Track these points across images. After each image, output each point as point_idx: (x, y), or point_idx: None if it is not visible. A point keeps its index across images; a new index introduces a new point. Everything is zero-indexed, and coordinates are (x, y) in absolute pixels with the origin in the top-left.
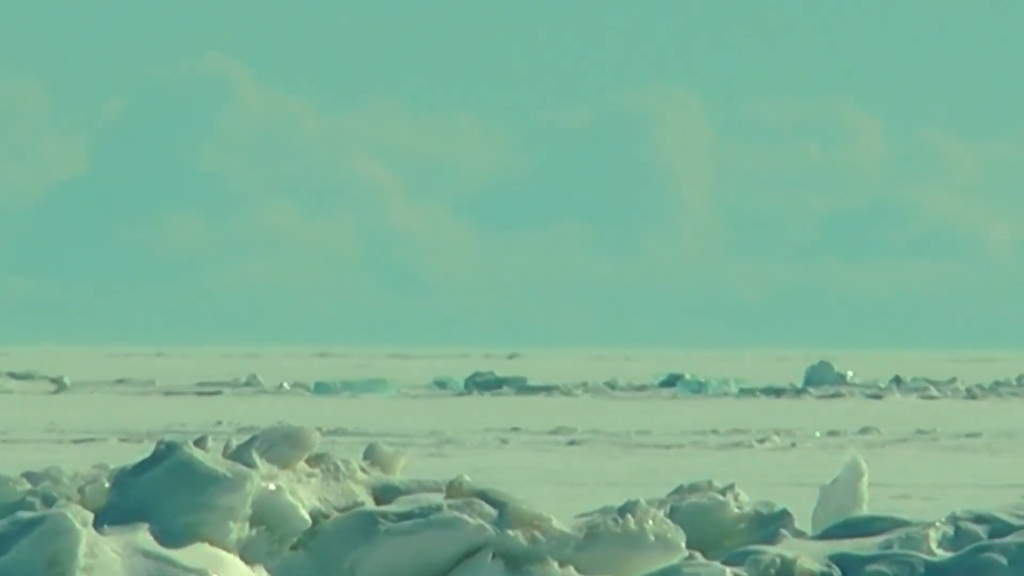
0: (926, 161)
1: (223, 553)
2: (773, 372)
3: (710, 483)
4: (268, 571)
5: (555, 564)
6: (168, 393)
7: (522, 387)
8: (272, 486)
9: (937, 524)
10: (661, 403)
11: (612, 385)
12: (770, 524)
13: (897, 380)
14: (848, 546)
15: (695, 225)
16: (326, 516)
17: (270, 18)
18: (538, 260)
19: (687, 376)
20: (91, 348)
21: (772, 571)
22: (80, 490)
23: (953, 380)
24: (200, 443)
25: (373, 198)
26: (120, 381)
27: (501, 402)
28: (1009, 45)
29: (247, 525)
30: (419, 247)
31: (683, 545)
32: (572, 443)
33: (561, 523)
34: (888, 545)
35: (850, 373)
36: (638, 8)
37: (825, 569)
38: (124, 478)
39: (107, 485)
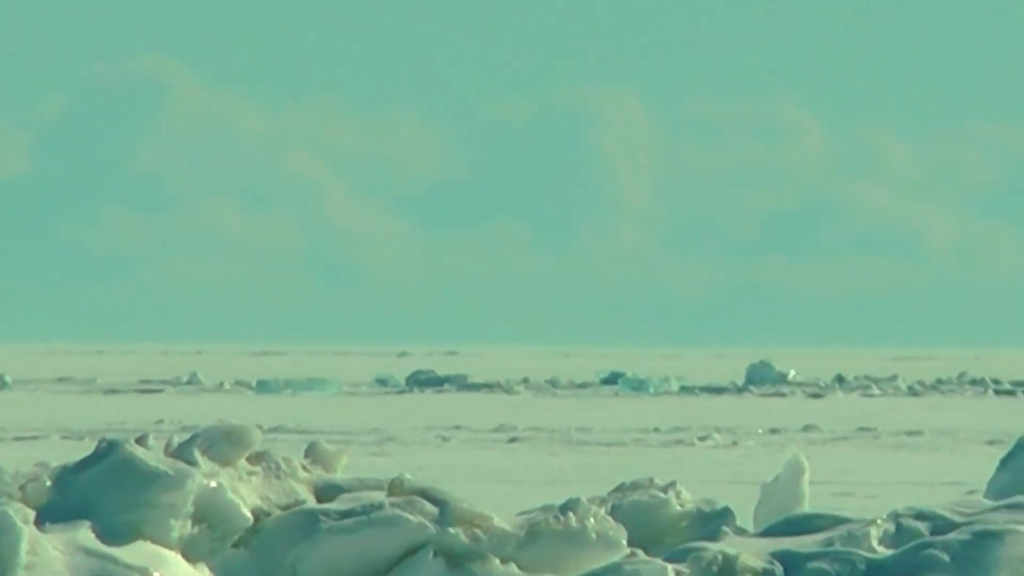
0: (867, 160)
1: (165, 551)
2: (714, 370)
3: (652, 481)
4: (210, 569)
5: (496, 562)
6: (109, 391)
7: (463, 385)
8: (213, 484)
9: (878, 521)
10: (602, 401)
11: (553, 383)
12: (712, 522)
13: (839, 378)
14: (790, 543)
15: (636, 223)
16: (268, 514)
17: (209, 18)
18: (479, 257)
19: (628, 374)
20: (32, 346)
21: (714, 568)
22: (22, 488)
23: (894, 378)
24: (141, 441)
25: (313, 196)
26: (61, 379)
27: (442, 400)
28: (949, 45)
29: (189, 523)
30: (359, 245)
31: (625, 543)
32: (513, 441)
33: (502, 521)
34: (830, 542)
35: (791, 371)
36: (579, 7)
37: (767, 566)
38: (66, 476)
39: (49, 483)
